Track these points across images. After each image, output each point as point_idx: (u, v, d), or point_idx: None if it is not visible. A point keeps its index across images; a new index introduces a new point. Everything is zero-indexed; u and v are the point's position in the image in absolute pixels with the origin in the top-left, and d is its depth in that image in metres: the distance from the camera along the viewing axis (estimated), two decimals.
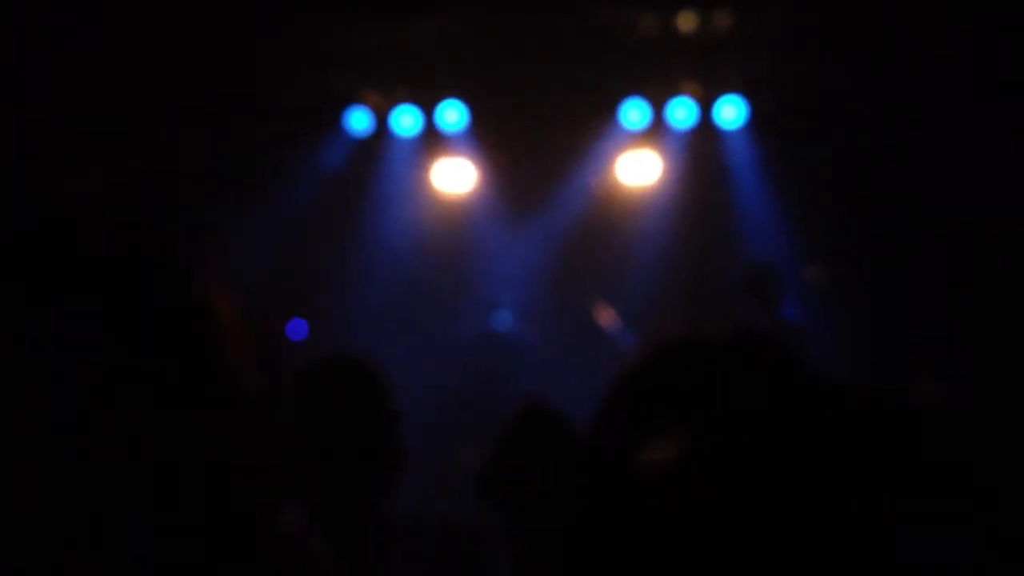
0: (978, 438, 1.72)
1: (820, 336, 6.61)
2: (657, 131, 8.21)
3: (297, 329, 7.62)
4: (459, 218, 8.48)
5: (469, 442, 7.26)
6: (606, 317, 7.57)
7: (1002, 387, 1.84)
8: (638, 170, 8.28)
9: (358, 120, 8.28)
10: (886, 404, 0.95)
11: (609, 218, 8.31)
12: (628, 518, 0.90)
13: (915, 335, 6.85)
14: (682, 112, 8.12)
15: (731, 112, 8.05)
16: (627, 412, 0.94)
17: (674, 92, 8.11)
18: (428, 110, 8.28)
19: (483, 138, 8.31)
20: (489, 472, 2.05)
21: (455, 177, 8.41)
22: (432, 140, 8.36)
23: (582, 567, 0.94)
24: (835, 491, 0.90)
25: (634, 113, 8.15)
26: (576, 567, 0.94)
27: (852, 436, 0.93)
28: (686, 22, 7.72)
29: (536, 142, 8.10)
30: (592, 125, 8.23)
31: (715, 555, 0.88)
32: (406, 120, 8.31)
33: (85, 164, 7.05)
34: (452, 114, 8.24)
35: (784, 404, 0.92)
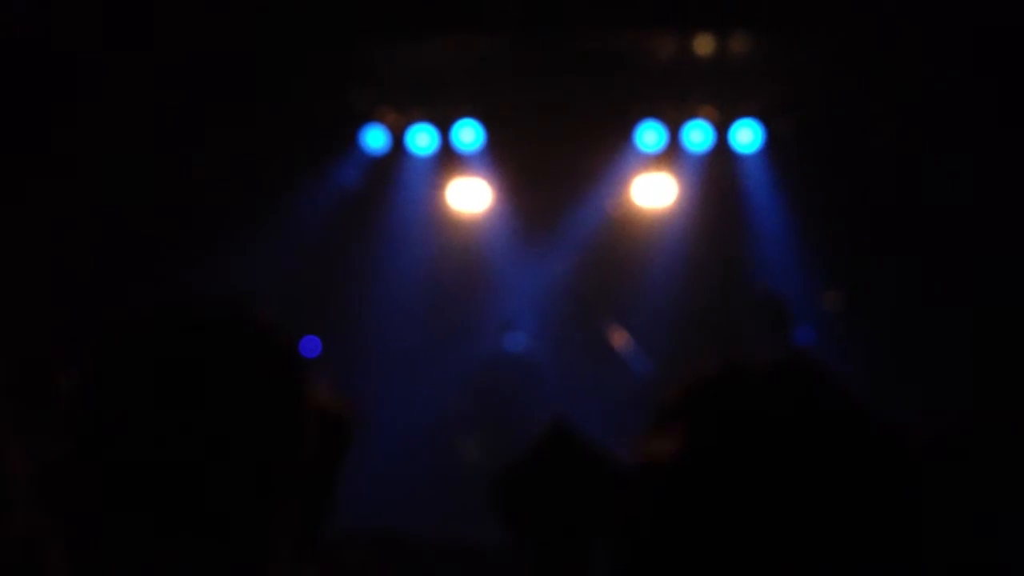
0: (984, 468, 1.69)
1: (836, 361, 6.58)
2: (673, 154, 8.19)
3: (310, 347, 7.61)
4: (474, 238, 8.47)
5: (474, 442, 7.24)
6: (620, 339, 7.56)
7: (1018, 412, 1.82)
8: (654, 193, 8.26)
9: (374, 138, 8.28)
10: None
11: (624, 240, 8.29)
12: (673, 549, 0.89)
13: (933, 360, 6.81)
14: (698, 135, 8.11)
15: (747, 136, 8.04)
16: (666, 447, 0.93)
17: (690, 115, 8.10)
18: (444, 129, 8.29)
19: (499, 158, 8.30)
20: (508, 487, 2.00)
21: (470, 196, 8.40)
22: (448, 159, 8.36)
23: None
24: (880, 522, 0.89)
25: (650, 135, 8.14)
26: None
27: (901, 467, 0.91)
28: (703, 45, 7.73)
29: (552, 163, 8.09)
30: (608, 147, 8.22)
31: None
32: (422, 139, 8.32)
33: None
34: (468, 133, 8.24)
35: (830, 435, 0.91)
